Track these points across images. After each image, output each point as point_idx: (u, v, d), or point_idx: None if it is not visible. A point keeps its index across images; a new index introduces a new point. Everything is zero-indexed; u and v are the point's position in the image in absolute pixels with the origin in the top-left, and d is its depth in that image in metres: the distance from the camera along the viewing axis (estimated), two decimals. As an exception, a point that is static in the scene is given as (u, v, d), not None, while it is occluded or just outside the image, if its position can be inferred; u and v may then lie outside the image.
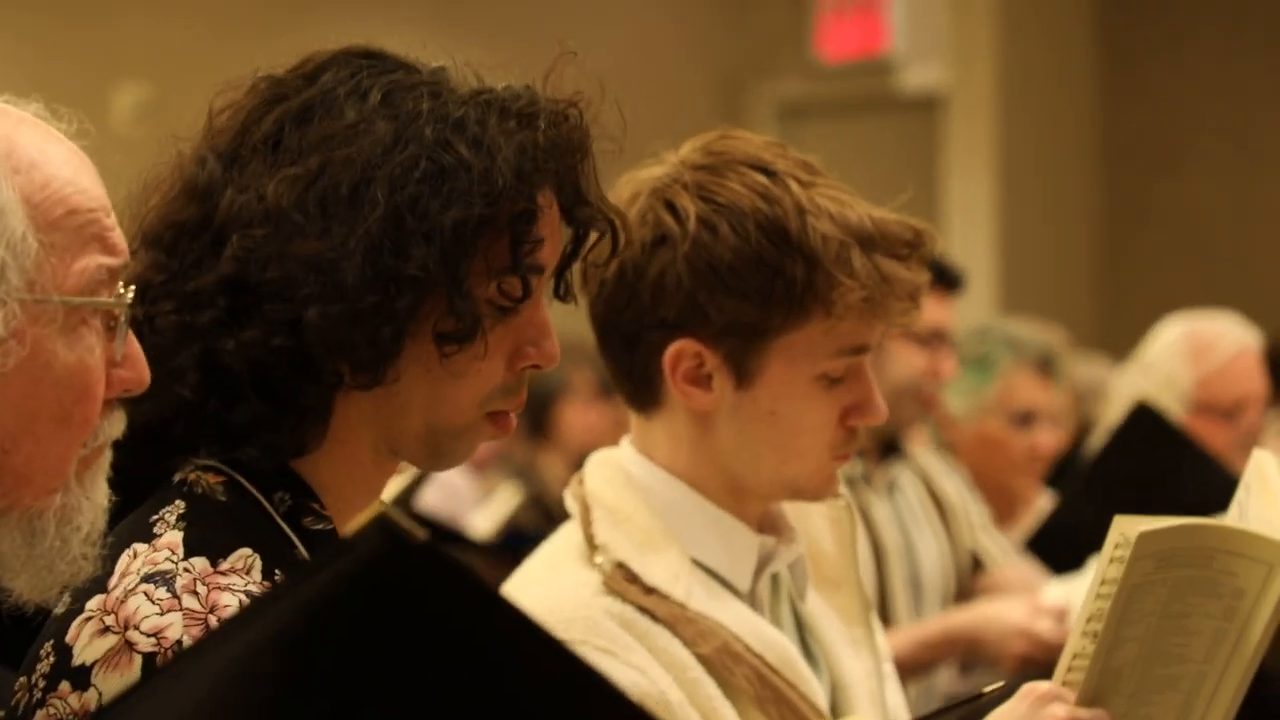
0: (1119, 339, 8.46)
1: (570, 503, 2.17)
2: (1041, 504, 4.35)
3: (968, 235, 9.05)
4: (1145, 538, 1.86)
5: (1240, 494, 2.06)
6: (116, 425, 1.50)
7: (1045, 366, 4.30)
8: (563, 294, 1.81)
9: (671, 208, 2.07)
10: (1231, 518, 2.08)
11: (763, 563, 2.14)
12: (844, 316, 2.05)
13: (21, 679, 1.61)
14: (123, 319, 1.49)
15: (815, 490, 2.13)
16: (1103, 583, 1.90)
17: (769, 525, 2.17)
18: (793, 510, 2.21)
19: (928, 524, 3.78)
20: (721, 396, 2.08)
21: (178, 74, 8.43)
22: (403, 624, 1.13)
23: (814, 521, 2.24)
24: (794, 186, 2.05)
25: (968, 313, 8.82)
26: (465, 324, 1.68)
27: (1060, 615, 3.38)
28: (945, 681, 3.88)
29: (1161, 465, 3.72)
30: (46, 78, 8.89)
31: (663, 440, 2.14)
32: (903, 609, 3.64)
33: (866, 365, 2.10)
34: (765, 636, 2.08)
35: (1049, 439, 4.30)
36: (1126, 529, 1.88)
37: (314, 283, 1.64)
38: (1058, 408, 4.33)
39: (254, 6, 8.76)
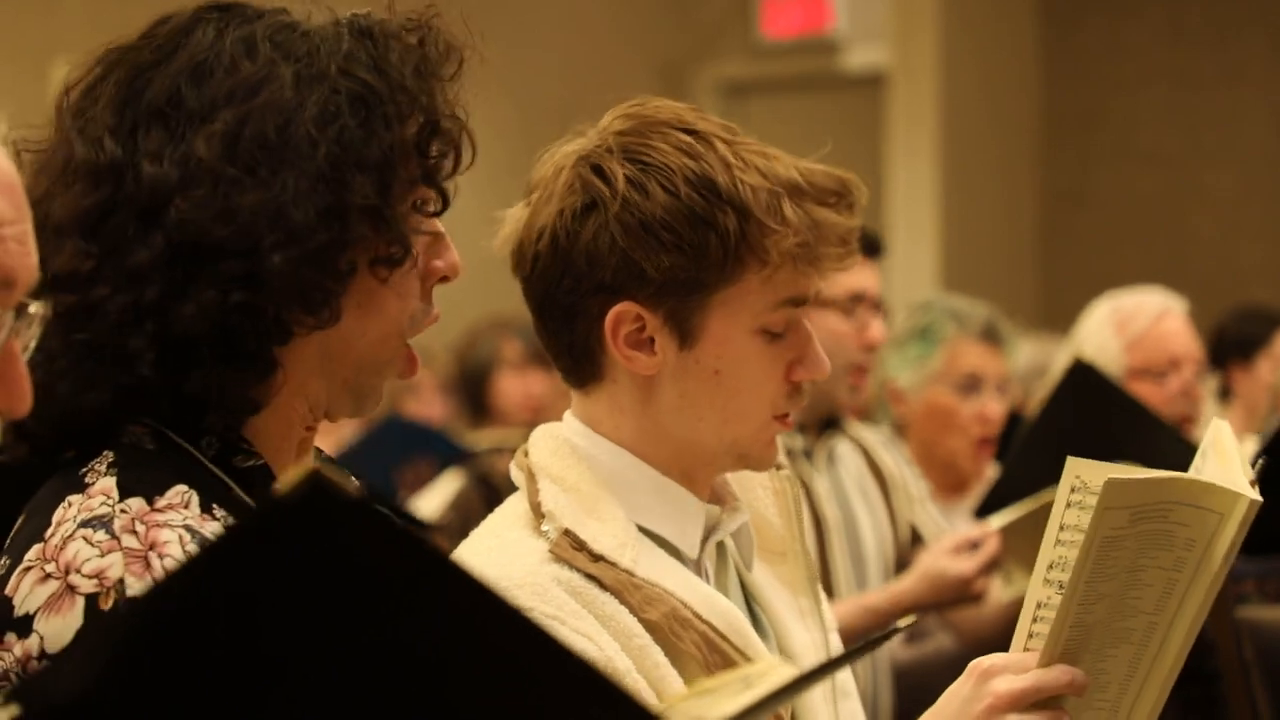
0: (1060, 319, 8.50)
1: (515, 473, 2.16)
2: (991, 476, 4.36)
3: (912, 213, 9.07)
4: (1115, 488, 1.83)
5: (1197, 460, 2.06)
6: None
7: (989, 334, 4.33)
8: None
9: (599, 171, 2.07)
10: None
11: (708, 531, 2.14)
12: (780, 265, 2.05)
13: None
14: (2, 339, 1.42)
15: (757, 455, 2.13)
16: (1061, 528, 1.89)
17: (714, 496, 2.17)
18: (736, 481, 2.21)
19: (867, 497, 3.78)
20: (664, 359, 2.08)
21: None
22: (335, 579, 1.11)
23: (757, 493, 2.24)
24: (719, 145, 2.06)
25: (912, 289, 8.87)
26: (400, 245, 1.72)
27: (970, 544, 3.42)
28: (895, 648, 3.90)
29: (1101, 420, 3.76)
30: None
31: (606, 413, 2.13)
32: (844, 582, 3.64)
33: (804, 318, 2.11)
34: (713, 603, 2.07)
35: (996, 406, 4.32)
36: (1084, 473, 1.87)
37: (269, 230, 1.65)
38: (1004, 375, 4.35)
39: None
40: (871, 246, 3.74)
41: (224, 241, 1.65)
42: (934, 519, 3.90)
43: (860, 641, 1.74)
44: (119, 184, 1.67)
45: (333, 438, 5.82)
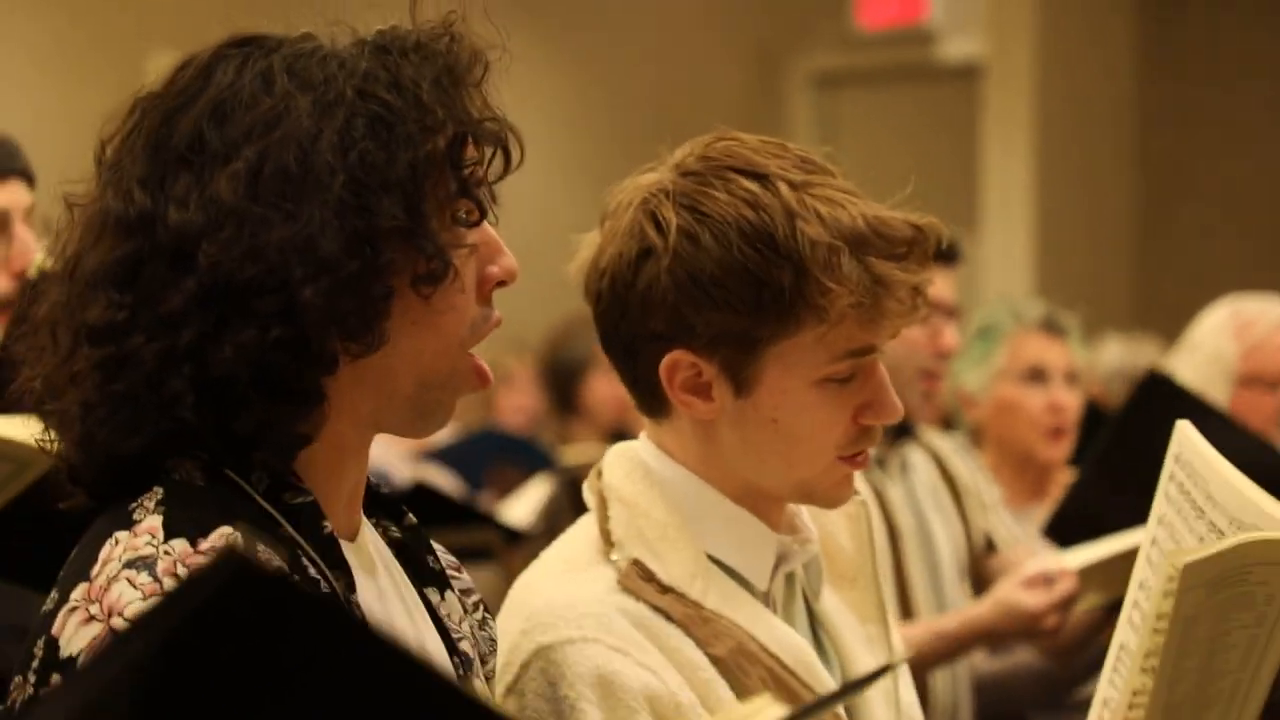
0: (1156, 314, 8.42)
1: (588, 495, 2.14)
2: (1067, 480, 4.32)
3: (1005, 207, 9.01)
4: (1191, 568, 1.84)
5: (1175, 471, 2.01)
6: None
7: (1049, 325, 4.32)
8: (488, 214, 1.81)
9: (655, 219, 2.03)
10: (1165, 498, 2.04)
11: (779, 561, 2.12)
12: (838, 322, 1.99)
13: (17, 678, 1.61)
14: None
15: (825, 494, 2.09)
16: (1158, 617, 1.88)
17: (786, 525, 2.14)
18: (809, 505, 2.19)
19: (941, 505, 3.76)
20: (722, 405, 2.05)
21: (209, 40, 8.42)
22: (257, 656, 1.10)
23: (829, 517, 2.21)
24: (784, 190, 1.99)
25: (1006, 284, 8.81)
26: (439, 261, 1.70)
27: (1046, 580, 3.38)
28: (978, 660, 3.87)
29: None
30: (81, 46, 8.90)
31: (675, 445, 2.12)
32: (920, 591, 3.62)
33: (877, 364, 2.05)
34: (781, 637, 2.06)
35: (1066, 396, 4.28)
36: (1177, 561, 1.86)
37: (298, 264, 1.64)
38: (1070, 365, 4.31)
39: (287, -25, 8.73)
40: (946, 253, 3.71)
41: (255, 280, 1.64)
42: (1007, 526, 3.87)
43: (853, 680, 1.72)
44: (149, 234, 1.67)
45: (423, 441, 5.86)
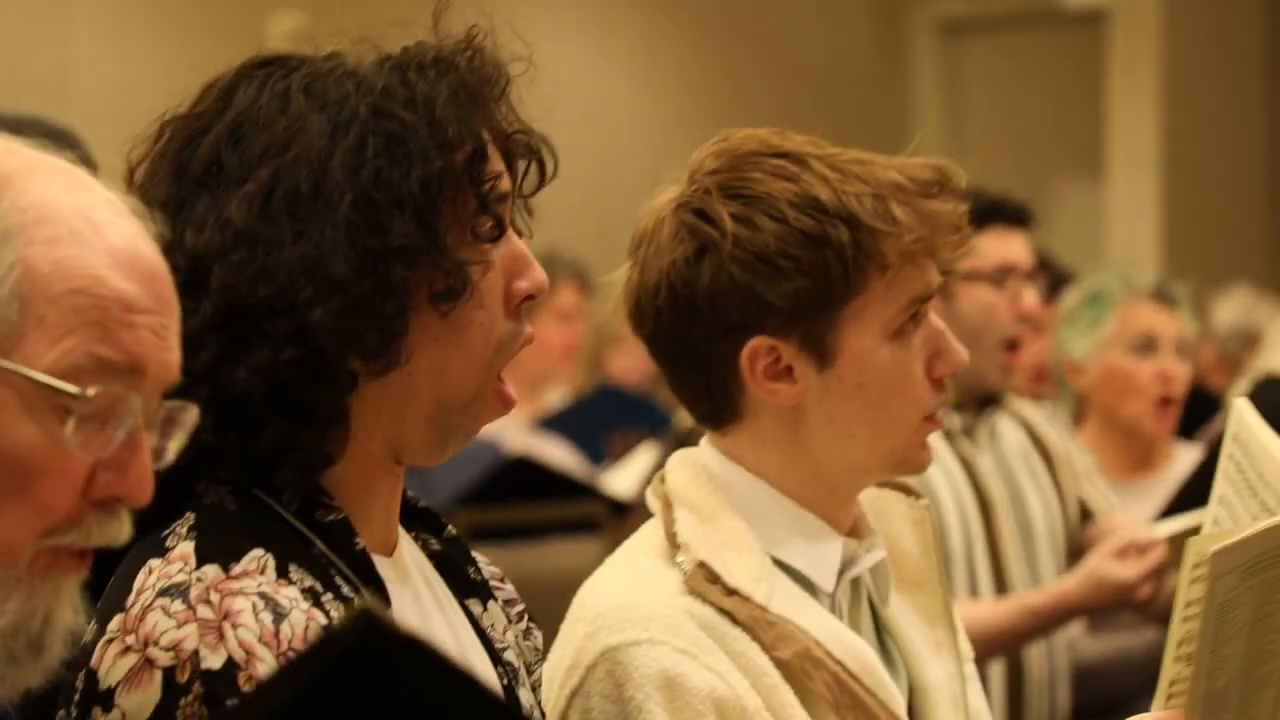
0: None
1: (652, 500, 2.15)
2: (1180, 456, 4.27)
3: (1133, 155, 8.89)
4: (1221, 555, 1.82)
5: (1234, 451, 2.00)
6: (108, 532, 1.44)
7: (1161, 294, 4.25)
8: (519, 229, 1.80)
9: (704, 215, 2.05)
10: (1225, 477, 2.02)
11: (845, 565, 2.12)
12: (901, 267, 2.05)
13: (60, 711, 1.63)
14: (125, 425, 1.42)
15: (913, 460, 2.12)
16: (1187, 604, 1.87)
17: (851, 530, 2.15)
18: (874, 511, 2.19)
19: (1034, 473, 3.73)
20: (806, 385, 2.07)
21: (333, 4, 8.47)
22: (386, 713, 1.12)
23: (895, 522, 2.21)
24: (813, 162, 2.06)
25: (1133, 235, 8.70)
26: (456, 277, 1.69)
27: (1138, 550, 3.34)
28: (1080, 642, 3.84)
29: None
30: (205, 5, 8.99)
31: (748, 449, 2.12)
32: (1014, 560, 3.60)
33: (930, 312, 2.10)
34: (846, 642, 2.06)
35: (1176, 365, 4.22)
36: (1201, 547, 1.85)
37: (308, 285, 1.65)
38: (1181, 336, 4.25)
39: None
40: (1019, 216, 3.70)
41: (266, 301, 1.65)
42: (1102, 493, 3.83)
43: None
44: (170, 260, 1.69)
45: (535, 405, 5.85)
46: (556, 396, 6.13)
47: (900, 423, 2.09)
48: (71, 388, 1.39)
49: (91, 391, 1.40)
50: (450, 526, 1.91)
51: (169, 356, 1.46)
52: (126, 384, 1.42)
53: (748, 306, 2.05)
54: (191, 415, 1.49)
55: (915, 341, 2.08)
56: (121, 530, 1.45)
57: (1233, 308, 6.29)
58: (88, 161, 2.87)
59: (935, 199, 2.06)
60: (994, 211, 3.62)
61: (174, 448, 1.47)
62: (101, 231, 1.45)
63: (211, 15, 8.63)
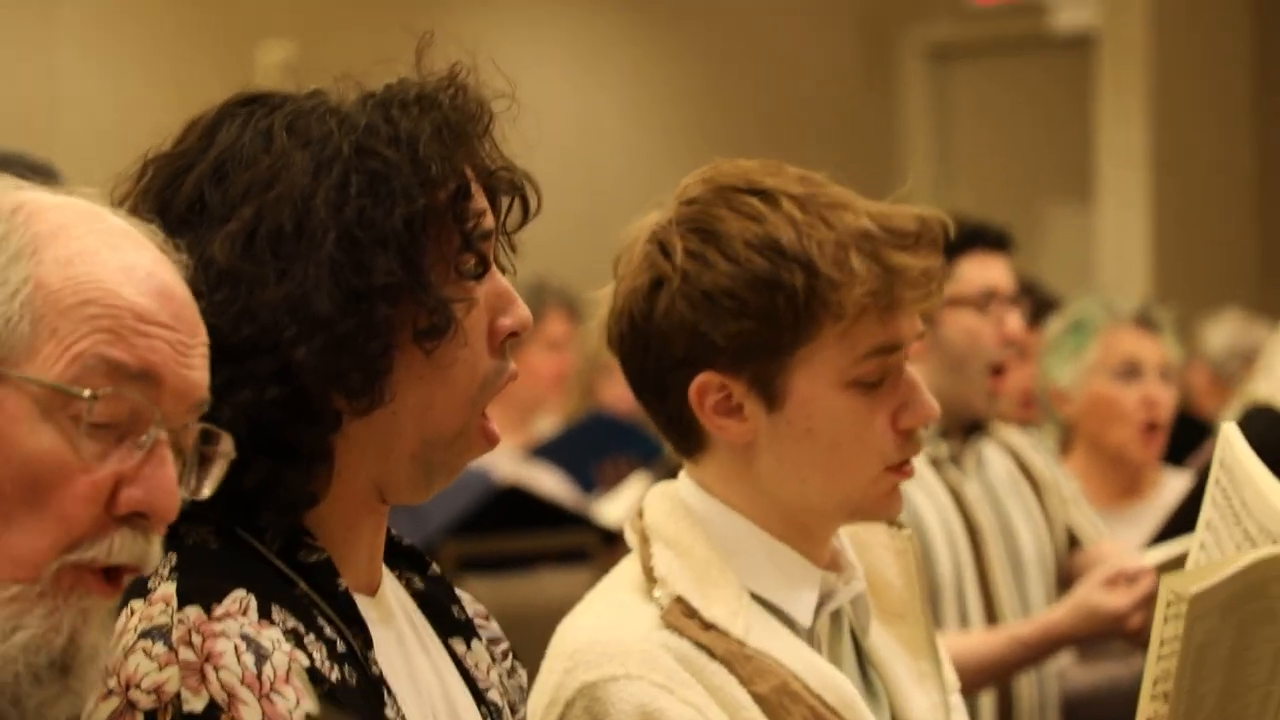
0: (1278, 288, 8.29)
1: (629, 535, 2.14)
2: (1168, 483, 4.25)
3: (1121, 179, 8.88)
4: (1200, 598, 1.81)
5: (1220, 476, 1.99)
6: (133, 550, 1.44)
7: (1144, 320, 4.25)
8: (503, 265, 1.80)
9: (662, 248, 2.05)
10: (1211, 503, 2.01)
11: (823, 598, 2.11)
12: (856, 318, 2.02)
13: None
14: (146, 437, 1.42)
15: (874, 507, 2.09)
16: (1162, 643, 1.86)
17: (830, 563, 2.13)
18: (855, 543, 2.18)
19: (1022, 500, 3.72)
20: (755, 425, 2.06)
21: (322, 34, 8.48)
22: None
23: (876, 553, 2.20)
24: (786, 202, 2.03)
25: (1121, 258, 8.70)
26: (440, 315, 1.69)
27: (1127, 579, 3.32)
28: (1069, 671, 3.82)
29: None
30: (193, 35, 8.99)
31: (715, 480, 2.11)
32: (1004, 588, 3.59)
33: (903, 363, 2.06)
34: (824, 676, 2.05)
35: (1161, 391, 4.21)
36: (1176, 586, 1.83)
37: (292, 324, 1.64)
38: (1165, 362, 4.24)
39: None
40: (1000, 241, 3.70)
41: (250, 340, 1.64)
42: (1090, 520, 3.82)
43: None
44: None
45: (525, 434, 5.83)
46: (547, 425, 6.11)
47: (855, 471, 2.06)
48: (82, 390, 1.39)
49: (102, 392, 1.40)
50: (434, 565, 1.90)
51: (191, 374, 1.46)
52: (142, 392, 1.42)
53: (694, 343, 2.04)
54: (227, 445, 1.49)
55: (879, 391, 2.05)
56: (149, 551, 1.44)
57: (1224, 331, 6.28)
58: None
59: (907, 251, 2.02)
60: (975, 237, 3.62)
61: (214, 478, 1.48)
62: (116, 251, 1.46)
63: (199, 46, 8.64)
